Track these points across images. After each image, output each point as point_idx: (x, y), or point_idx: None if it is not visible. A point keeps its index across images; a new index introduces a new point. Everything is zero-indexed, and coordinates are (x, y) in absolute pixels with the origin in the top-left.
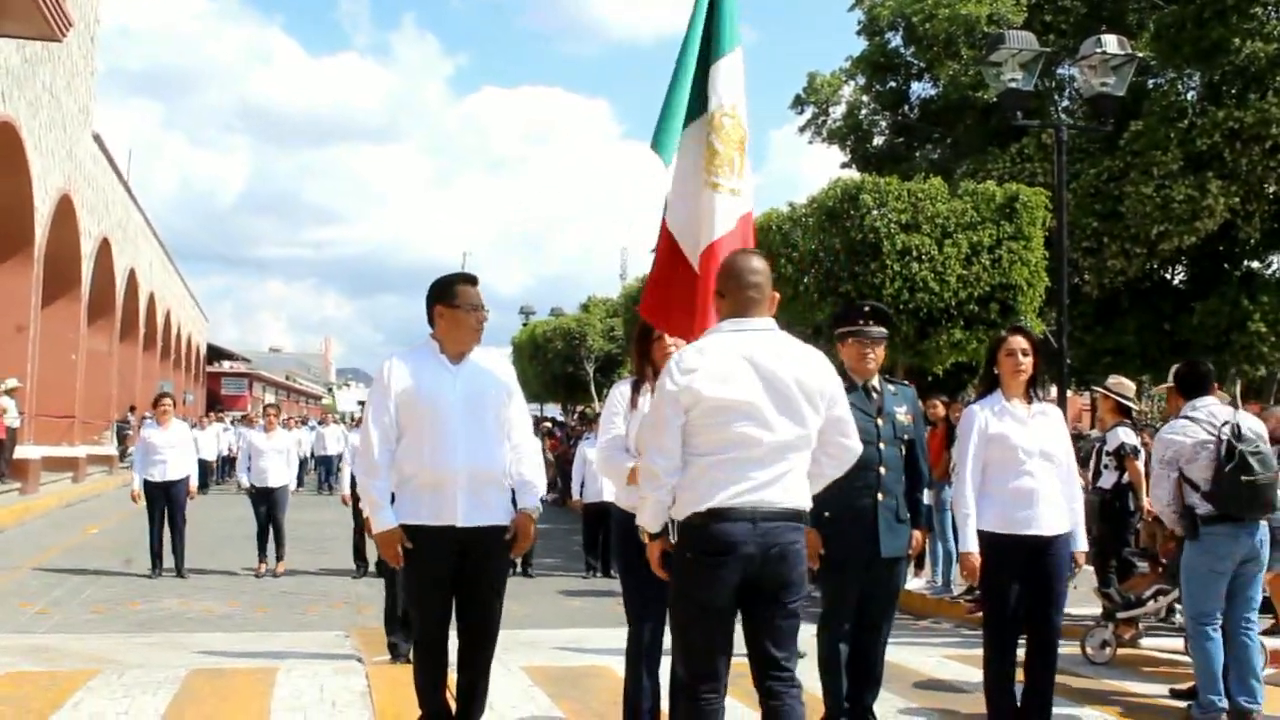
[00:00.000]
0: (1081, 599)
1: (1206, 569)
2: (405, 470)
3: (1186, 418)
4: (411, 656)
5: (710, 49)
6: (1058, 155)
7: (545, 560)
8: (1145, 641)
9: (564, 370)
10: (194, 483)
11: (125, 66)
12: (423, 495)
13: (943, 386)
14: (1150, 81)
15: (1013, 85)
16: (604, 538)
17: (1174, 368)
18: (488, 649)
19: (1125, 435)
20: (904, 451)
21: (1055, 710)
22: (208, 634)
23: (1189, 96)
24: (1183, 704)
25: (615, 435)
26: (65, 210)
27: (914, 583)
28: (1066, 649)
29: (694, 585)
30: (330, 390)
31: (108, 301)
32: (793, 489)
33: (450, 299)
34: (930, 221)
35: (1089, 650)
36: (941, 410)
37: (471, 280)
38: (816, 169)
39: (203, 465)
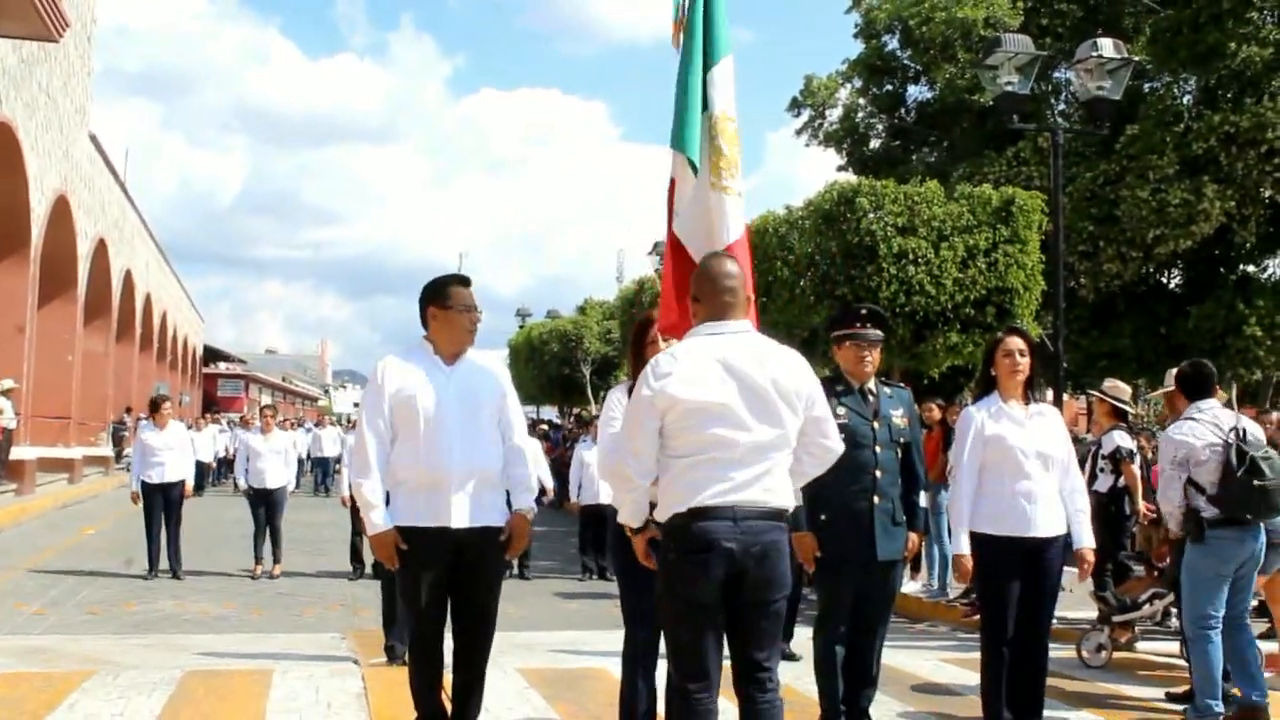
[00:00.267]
0: (1077, 602)
1: (1212, 572)
2: (400, 472)
3: (1191, 419)
4: (407, 658)
5: (708, 53)
6: (1054, 159)
7: (541, 562)
8: (1141, 645)
9: (560, 373)
10: (190, 483)
11: (123, 67)
12: (418, 497)
13: (939, 390)
14: (1146, 85)
15: (1009, 89)
16: (601, 540)
17: (1176, 368)
18: (484, 651)
19: (1121, 439)
20: (900, 454)
21: (1051, 714)
22: (203, 635)
23: (1185, 100)
24: (1179, 708)
25: (614, 439)
26: (61, 211)
27: (910, 586)
28: (1062, 652)
29: (679, 584)
30: (327, 392)
31: (104, 302)
32: (774, 489)
33: (443, 300)
34: (926, 225)
35: (1085, 654)
36: (937, 413)
37: (465, 282)
38: (813, 172)
39: (199, 467)
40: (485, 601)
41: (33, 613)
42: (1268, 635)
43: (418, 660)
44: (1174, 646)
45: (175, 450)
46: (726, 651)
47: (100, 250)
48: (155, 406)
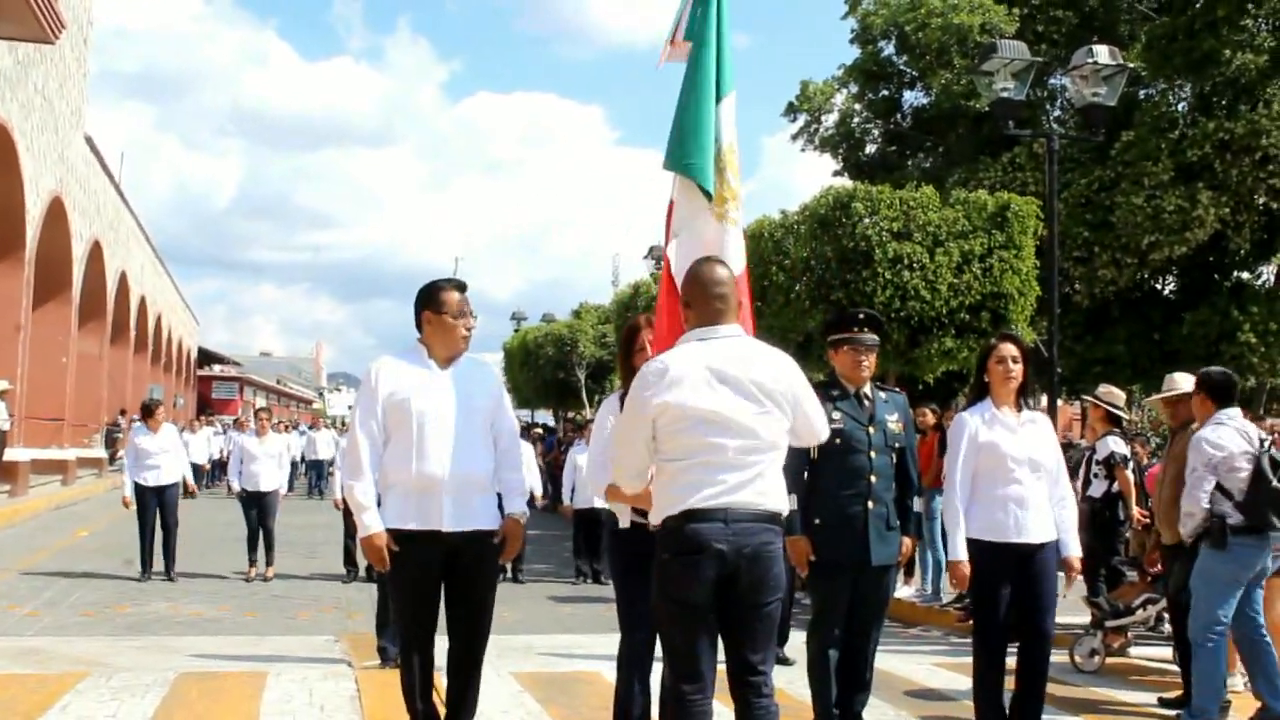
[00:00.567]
0: (1070, 607)
1: (1230, 578)
2: (391, 475)
3: (1221, 424)
4: (399, 661)
5: (719, 84)
6: (1049, 165)
7: (535, 566)
8: (1134, 650)
9: (555, 376)
10: (190, 479)
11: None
12: (409, 499)
13: (933, 395)
14: (1141, 92)
15: (1005, 95)
16: (595, 543)
17: (1201, 373)
18: (478, 654)
19: (1115, 444)
20: (895, 459)
21: (1044, 718)
22: (197, 637)
23: (1180, 107)
24: (1171, 713)
25: (605, 450)
26: (56, 213)
27: (904, 591)
28: (1055, 657)
29: (672, 585)
30: (321, 394)
31: (99, 304)
32: (767, 491)
33: (438, 306)
34: (922, 230)
35: (1077, 659)
36: (931, 418)
37: (460, 287)
38: (808, 177)
39: (194, 469)
40: (479, 605)
41: (26, 614)
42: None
43: (408, 663)
44: (1167, 651)
45: (170, 453)
46: (722, 654)
47: (95, 252)
48: (149, 411)
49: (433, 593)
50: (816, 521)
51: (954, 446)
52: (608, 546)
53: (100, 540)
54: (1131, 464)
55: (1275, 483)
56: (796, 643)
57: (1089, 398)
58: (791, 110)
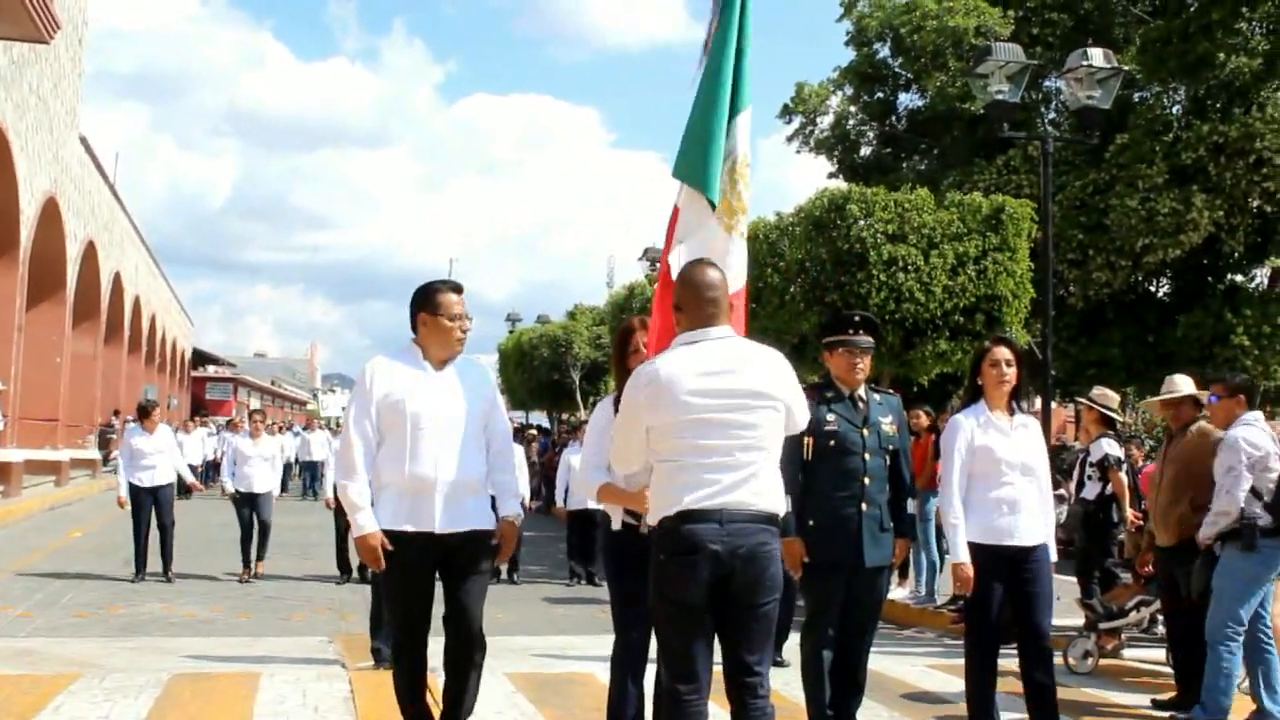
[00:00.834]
0: (1064, 610)
1: (1255, 579)
2: (385, 475)
3: (1250, 425)
4: (393, 662)
5: (736, 98)
6: (1044, 167)
7: (530, 567)
8: (1127, 652)
9: (550, 378)
10: (188, 475)
11: (114, 69)
12: (402, 501)
13: (928, 397)
14: (1136, 95)
15: (1000, 97)
16: (589, 545)
17: (1228, 376)
18: (475, 655)
19: (1109, 446)
20: (889, 461)
21: None
22: (190, 638)
23: (1174, 110)
24: (1164, 714)
25: (597, 452)
26: (51, 213)
27: (897, 593)
28: None
29: (668, 586)
30: (315, 396)
31: (93, 305)
32: (762, 492)
33: (433, 308)
34: (916, 232)
35: (1071, 661)
36: (925, 421)
37: (456, 289)
38: (803, 178)
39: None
40: (473, 606)
41: (19, 615)
42: None
43: (401, 663)
44: (1160, 653)
45: (164, 454)
46: (718, 655)
47: (90, 253)
48: (145, 412)
49: (426, 593)
50: (811, 523)
51: (949, 449)
52: (602, 548)
53: (94, 541)
54: (1125, 466)
55: None
56: (791, 644)
57: (1083, 400)
58: (787, 112)
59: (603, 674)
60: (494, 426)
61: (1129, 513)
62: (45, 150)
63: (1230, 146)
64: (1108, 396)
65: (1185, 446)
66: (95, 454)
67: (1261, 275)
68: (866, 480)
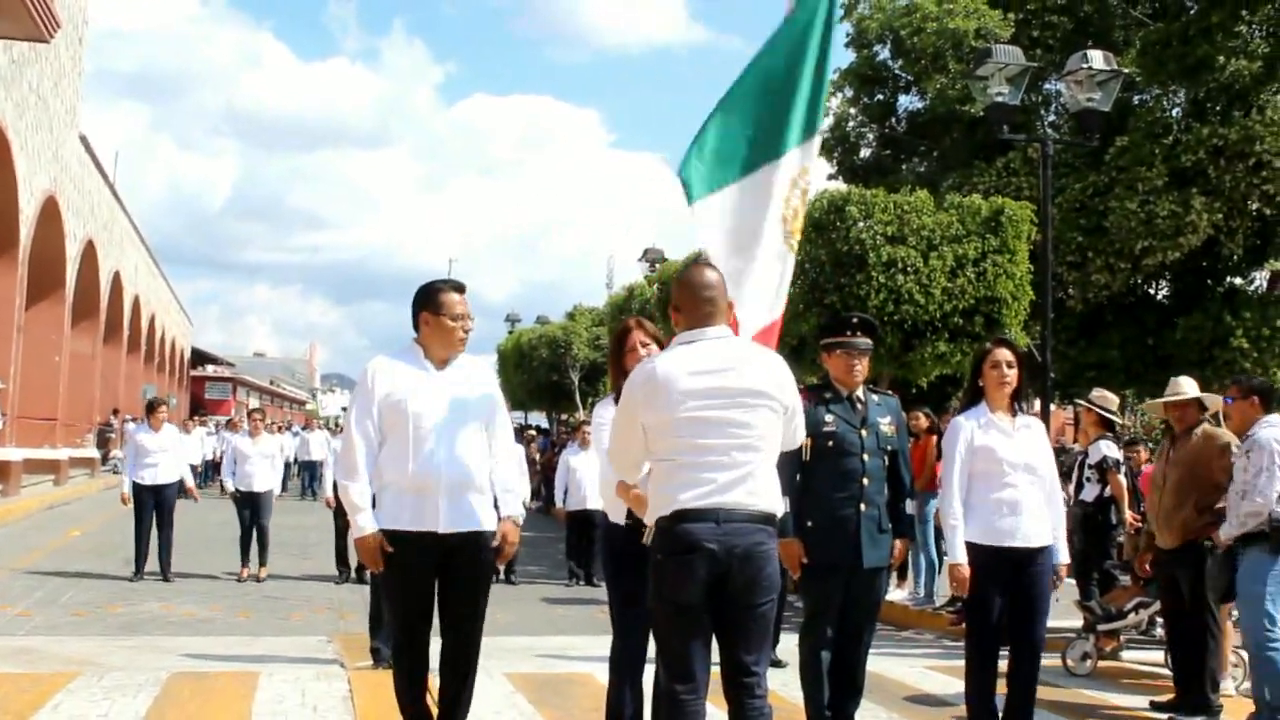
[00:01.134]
0: (1062, 611)
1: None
2: (387, 475)
3: (1273, 427)
4: (392, 662)
5: (811, 121)
6: (1043, 170)
7: (528, 568)
8: (1126, 654)
9: (549, 379)
10: (190, 480)
11: (114, 68)
12: (404, 501)
13: (927, 399)
14: (1136, 98)
15: (999, 99)
16: (588, 545)
17: (1247, 380)
18: (472, 656)
19: (1107, 448)
20: (887, 462)
21: None
22: (189, 638)
23: (1174, 113)
24: (1163, 716)
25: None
26: (50, 212)
27: (896, 594)
28: (1047, 661)
29: (665, 585)
30: (314, 396)
31: (92, 304)
32: (759, 492)
33: (436, 307)
34: (916, 234)
35: (1070, 662)
36: (924, 422)
37: (459, 288)
38: None
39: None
40: (473, 607)
41: (17, 614)
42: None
43: (401, 664)
44: (1159, 655)
45: (169, 452)
46: (716, 656)
47: (89, 252)
48: (152, 408)
49: (427, 593)
50: (809, 524)
51: (950, 450)
52: (601, 548)
53: (93, 540)
54: (1124, 468)
55: None
56: (789, 645)
57: (1082, 402)
58: None
59: (601, 674)
60: (496, 426)
61: (1128, 515)
62: (45, 149)
63: (1230, 149)
64: (1106, 399)
65: (1190, 449)
66: (94, 453)
67: (1261, 278)
68: (865, 481)
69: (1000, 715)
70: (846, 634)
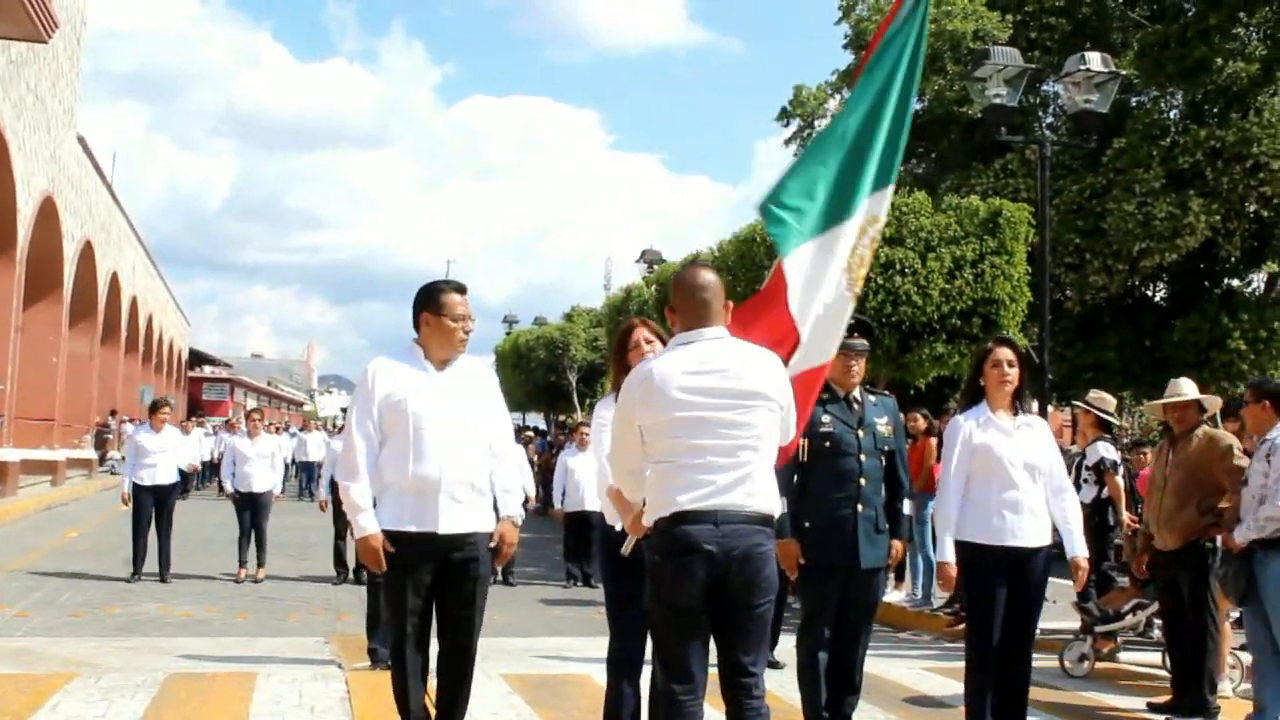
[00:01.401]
0: (1060, 613)
1: None
2: (387, 476)
3: None
4: (390, 662)
5: (885, 171)
6: (1041, 171)
7: (526, 569)
8: (1123, 655)
9: (546, 380)
10: (186, 465)
11: (112, 69)
12: (404, 501)
13: (925, 400)
14: (1133, 99)
15: (997, 101)
16: (586, 547)
17: (1262, 384)
18: (470, 656)
19: (1105, 450)
20: (884, 462)
21: None
22: (187, 638)
23: (1171, 115)
24: (1160, 717)
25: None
26: (48, 212)
27: (894, 595)
28: (1045, 662)
29: (663, 587)
30: (312, 396)
31: (90, 304)
32: (756, 493)
33: (437, 308)
34: (914, 235)
35: (1067, 663)
36: (922, 423)
37: (460, 289)
38: None
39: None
40: (471, 607)
41: (15, 615)
42: (1246, 647)
43: (400, 665)
44: (1156, 657)
45: (168, 453)
46: (714, 657)
47: (87, 252)
48: (154, 409)
49: (427, 594)
50: (806, 525)
51: (948, 449)
52: (599, 550)
53: (90, 541)
54: (1121, 469)
55: None
56: (787, 646)
57: (1080, 403)
58: (785, 115)
59: (599, 675)
60: (496, 426)
61: (1125, 516)
62: (43, 149)
63: (1227, 151)
64: (1104, 400)
65: (1192, 451)
66: (91, 454)
67: (1258, 280)
68: (862, 481)
69: (992, 715)
70: (844, 635)
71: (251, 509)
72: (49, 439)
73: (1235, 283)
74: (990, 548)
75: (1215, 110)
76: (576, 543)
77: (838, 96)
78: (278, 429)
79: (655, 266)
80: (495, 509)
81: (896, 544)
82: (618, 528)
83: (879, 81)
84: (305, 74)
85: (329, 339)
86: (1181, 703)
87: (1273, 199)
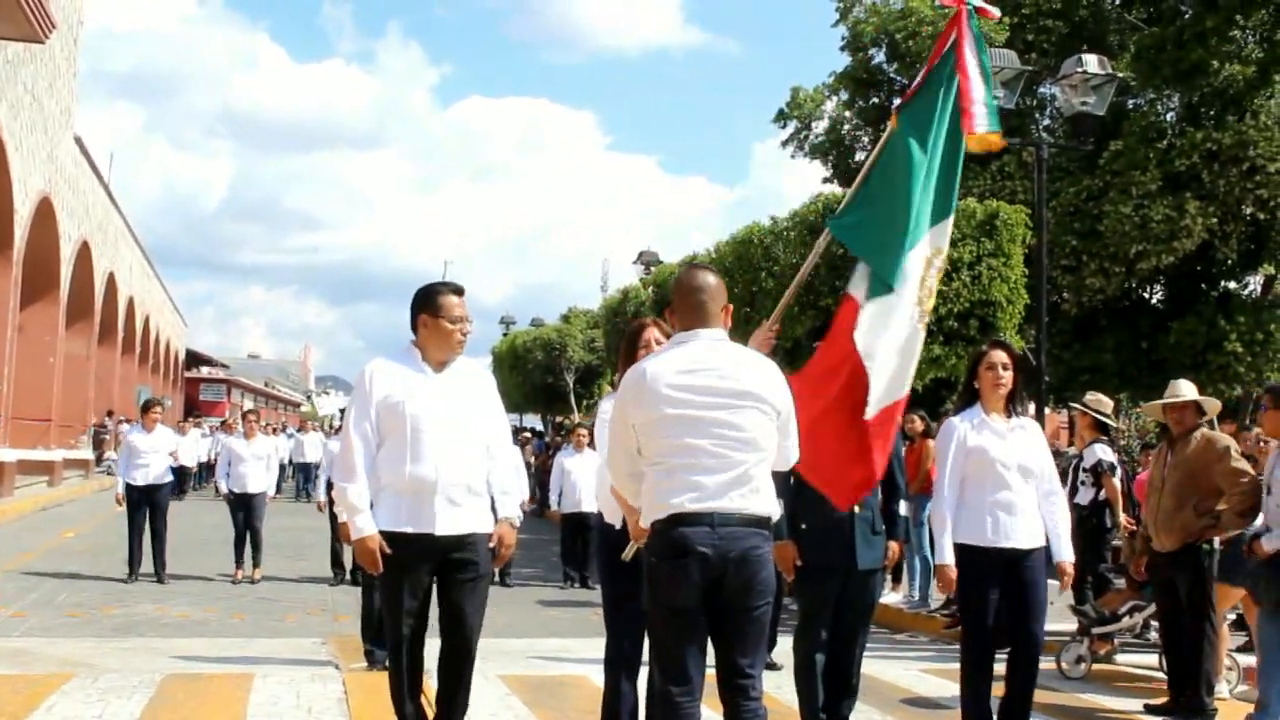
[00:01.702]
0: (1057, 614)
1: None
2: (384, 477)
3: None
4: (387, 663)
5: (944, 205)
6: (1038, 173)
7: (523, 570)
8: (1120, 657)
9: (544, 381)
10: (183, 459)
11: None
12: (401, 503)
13: (921, 402)
14: (1130, 102)
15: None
16: (583, 548)
17: (1277, 388)
18: (468, 659)
19: (1102, 452)
20: None
21: None
22: (184, 639)
23: (1168, 117)
24: (1157, 719)
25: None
26: (45, 213)
27: (891, 597)
28: (1041, 664)
29: (660, 589)
30: (309, 397)
31: (86, 305)
32: (753, 495)
33: (435, 310)
34: None
35: (1064, 665)
36: (919, 425)
37: (458, 291)
38: (798, 183)
39: (182, 471)
40: (469, 609)
41: (12, 615)
42: (1246, 649)
43: (398, 666)
44: (1153, 659)
45: (160, 453)
46: (712, 659)
47: (83, 253)
48: (146, 409)
49: (424, 595)
50: (803, 527)
51: (942, 451)
52: (596, 551)
53: (87, 541)
54: (1118, 471)
55: None
56: (784, 647)
57: (1077, 406)
58: (782, 117)
59: (596, 676)
60: (493, 428)
61: (1122, 518)
62: (40, 150)
63: (1224, 154)
64: (1101, 402)
65: (1190, 453)
66: (88, 454)
67: (1255, 282)
68: None
69: (996, 716)
70: (841, 636)
71: (245, 510)
72: (45, 439)
73: (1232, 285)
74: (984, 549)
75: (1212, 113)
76: (574, 544)
77: (834, 98)
78: (275, 430)
79: (652, 268)
80: (493, 510)
81: (893, 545)
82: (616, 527)
83: (936, 107)
84: (302, 75)
85: (326, 340)
86: (1179, 704)
87: (1269, 202)
